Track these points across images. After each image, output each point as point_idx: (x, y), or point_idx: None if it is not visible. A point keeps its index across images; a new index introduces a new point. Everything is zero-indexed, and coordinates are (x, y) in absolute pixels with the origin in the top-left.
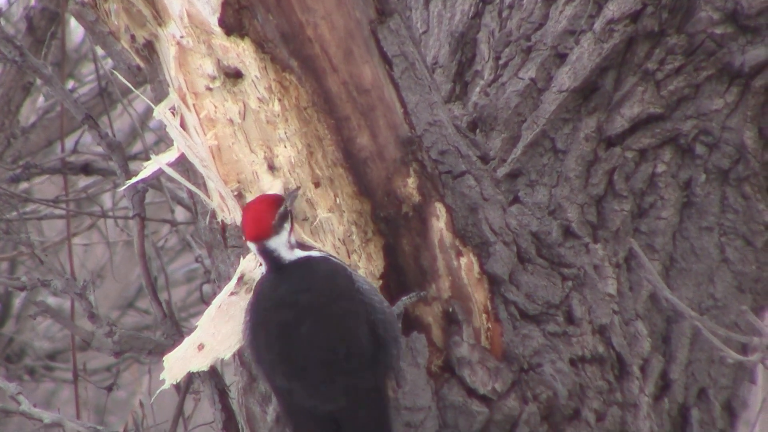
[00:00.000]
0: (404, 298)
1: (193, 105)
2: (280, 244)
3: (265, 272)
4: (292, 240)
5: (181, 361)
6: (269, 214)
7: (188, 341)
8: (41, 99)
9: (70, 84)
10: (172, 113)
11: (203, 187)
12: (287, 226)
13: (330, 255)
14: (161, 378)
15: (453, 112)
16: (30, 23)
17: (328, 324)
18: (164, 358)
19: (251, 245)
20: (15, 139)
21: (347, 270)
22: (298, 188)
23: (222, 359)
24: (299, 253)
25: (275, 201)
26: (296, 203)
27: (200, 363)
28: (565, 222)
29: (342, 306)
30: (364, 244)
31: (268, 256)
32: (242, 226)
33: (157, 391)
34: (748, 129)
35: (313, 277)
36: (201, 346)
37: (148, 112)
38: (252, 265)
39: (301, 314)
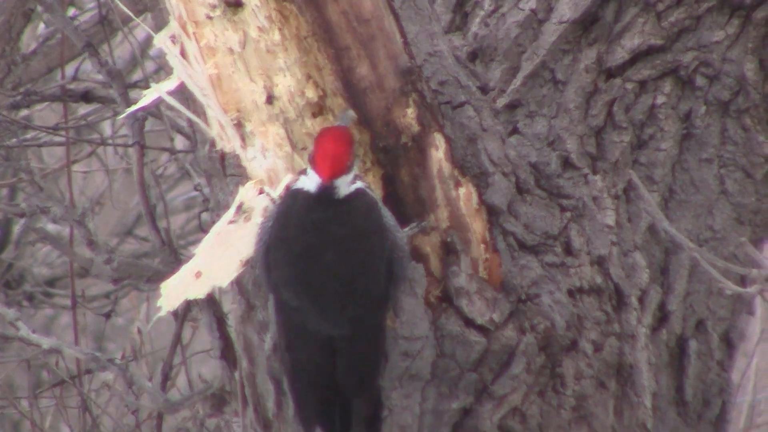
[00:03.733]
0: (405, 229)
1: (194, 33)
2: (345, 181)
3: (300, 193)
4: (352, 175)
5: (178, 289)
6: (347, 154)
7: (186, 268)
8: (42, 26)
9: (71, 11)
10: (173, 42)
11: (203, 115)
12: (354, 165)
13: (367, 186)
14: (158, 305)
15: (453, 43)
16: None
17: (352, 258)
18: (161, 285)
19: (319, 181)
20: (15, 66)
21: (378, 205)
22: (348, 110)
23: (220, 287)
24: (350, 188)
25: (350, 139)
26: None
27: (197, 291)
28: (564, 153)
29: (369, 244)
30: (362, 174)
31: (328, 189)
32: (316, 162)
33: (155, 318)
34: (748, 61)
35: (348, 211)
36: (198, 274)
37: (149, 40)
38: (251, 194)
39: (328, 242)
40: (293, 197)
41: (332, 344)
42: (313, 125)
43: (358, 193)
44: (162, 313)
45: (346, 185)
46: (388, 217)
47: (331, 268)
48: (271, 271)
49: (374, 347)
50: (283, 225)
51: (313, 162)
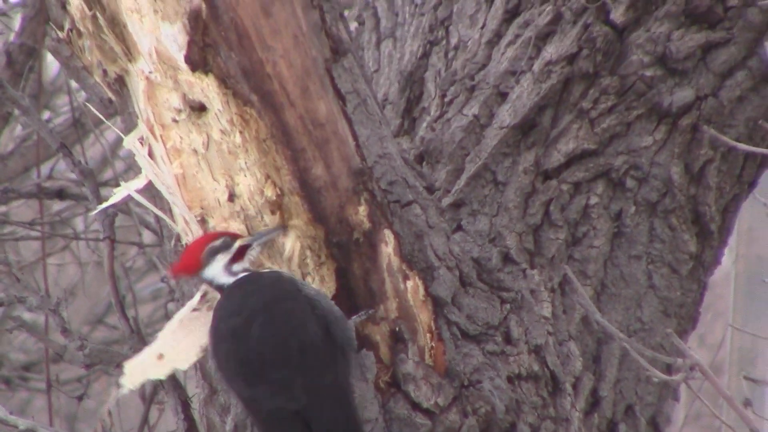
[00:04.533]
0: (354, 317)
1: (161, 135)
2: (215, 273)
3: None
4: (234, 268)
5: (140, 368)
6: (198, 250)
7: (148, 350)
8: (19, 128)
9: (46, 114)
10: (141, 143)
11: (169, 212)
12: (222, 257)
13: (281, 271)
14: (121, 383)
15: (401, 146)
16: (9, 57)
17: (276, 322)
18: (124, 364)
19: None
20: None
21: (293, 277)
22: (279, 228)
23: (184, 372)
24: (241, 274)
25: (209, 237)
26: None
27: (159, 372)
28: (505, 249)
29: (288, 304)
30: (317, 267)
31: (210, 284)
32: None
33: (117, 395)
34: (675, 165)
35: (257, 284)
36: (161, 356)
37: (119, 141)
38: None
39: (249, 317)
40: (216, 303)
41: (301, 417)
42: (271, 221)
43: (262, 272)
44: (124, 390)
45: (222, 276)
46: (308, 288)
47: (260, 340)
48: (223, 372)
49: (341, 410)
50: (215, 326)
51: None
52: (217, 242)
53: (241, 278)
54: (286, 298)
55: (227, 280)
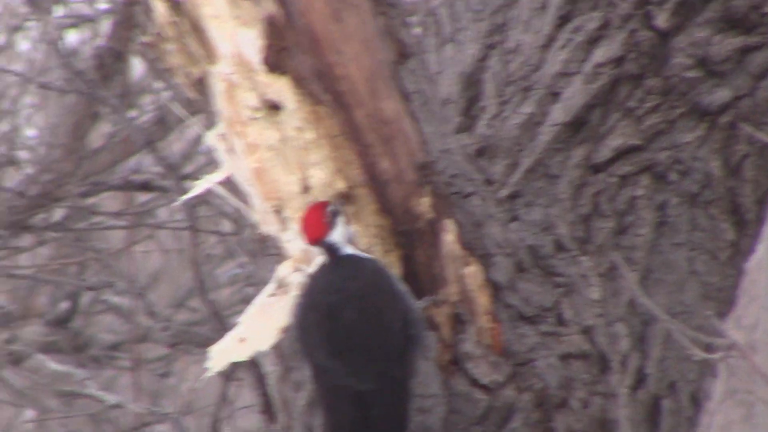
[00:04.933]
0: (420, 302)
1: (239, 132)
2: (337, 237)
3: (320, 264)
4: (348, 234)
5: (224, 353)
6: (320, 215)
7: (231, 335)
8: (108, 125)
9: (133, 113)
10: (221, 139)
11: (247, 202)
12: (340, 221)
13: (377, 260)
14: (206, 367)
15: (462, 142)
16: (99, 61)
17: (368, 311)
18: (209, 350)
19: (314, 247)
20: (84, 160)
21: (390, 273)
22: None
23: (262, 352)
24: (353, 249)
25: (321, 204)
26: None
27: (241, 354)
28: (557, 237)
29: (383, 300)
30: (384, 255)
31: (329, 249)
32: (303, 234)
33: (203, 378)
34: (714, 159)
35: (361, 270)
36: (243, 340)
37: (200, 138)
38: (288, 271)
39: (346, 299)
40: (315, 270)
41: (364, 399)
42: (344, 212)
43: (366, 258)
44: (209, 374)
45: (342, 242)
46: (400, 285)
47: (351, 324)
48: (305, 338)
49: (401, 397)
50: (309, 293)
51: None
52: (330, 207)
53: (346, 259)
54: (382, 291)
55: (345, 248)
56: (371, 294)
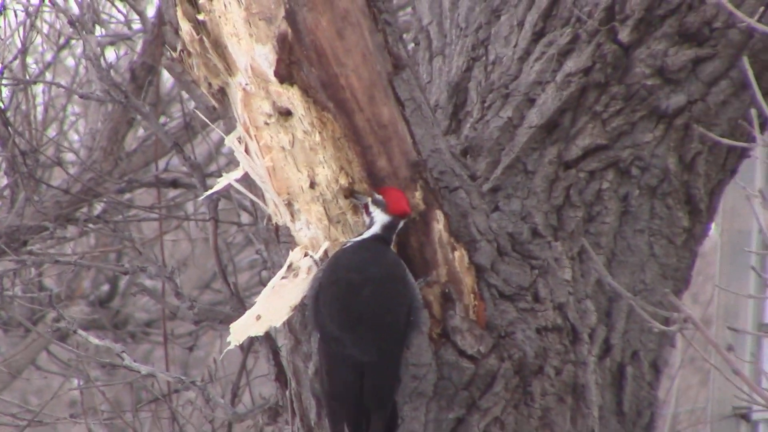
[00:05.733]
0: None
1: (255, 135)
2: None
3: (350, 243)
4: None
5: (243, 328)
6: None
7: (249, 313)
8: (141, 130)
9: (163, 119)
10: (239, 142)
11: (262, 197)
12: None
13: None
14: (228, 340)
15: (450, 142)
16: (133, 74)
17: (384, 294)
18: (231, 326)
19: (398, 218)
20: (121, 161)
21: (404, 265)
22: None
23: (275, 327)
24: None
25: (397, 189)
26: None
27: (257, 329)
28: (533, 225)
29: (397, 287)
30: None
31: (391, 229)
32: (399, 205)
33: (225, 350)
34: (671, 156)
35: (383, 257)
36: (258, 317)
37: (221, 141)
38: (298, 256)
39: (366, 280)
40: (342, 249)
41: (362, 369)
42: (345, 205)
43: (389, 249)
44: (231, 346)
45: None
46: (409, 274)
47: (366, 303)
48: (320, 309)
49: (393, 372)
50: (332, 270)
51: (387, 206)
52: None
53: (372, 244)
54: (398, 280)
55: (392, 236)
56: (387, 280)
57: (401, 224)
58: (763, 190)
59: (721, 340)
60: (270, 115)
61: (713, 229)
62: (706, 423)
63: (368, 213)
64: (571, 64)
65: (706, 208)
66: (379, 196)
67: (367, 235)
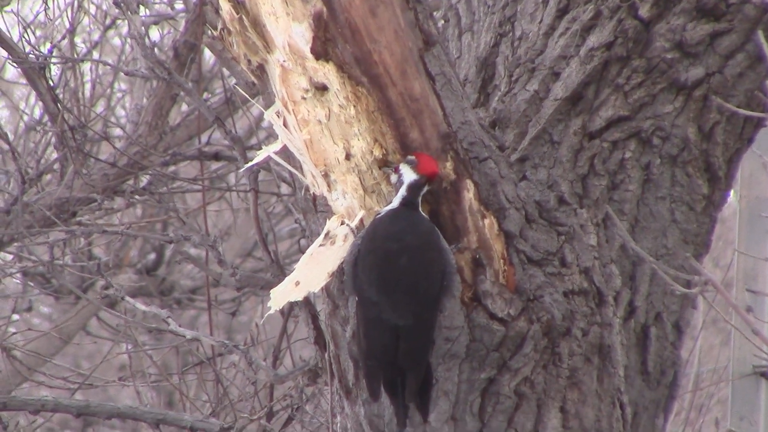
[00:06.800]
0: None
1: (293, 110)
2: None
3: (386, 211)
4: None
5: (283, 294)
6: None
7: (288, 279)
8: (184, 106)
9: (205, 95)
10: (278, 116)
11: (300, 168)
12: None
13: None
14: (269, 306)
15: (479, 115)
16: (176, 52)
17: (420, 262)
18: (271, 292)
19: (424, 178)
20: (165, 135)
21: (438, 232)
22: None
23: (314, 293)
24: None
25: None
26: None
27: (297, 295)
28: (559, 193)
29: (432, 255)
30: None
31: (417, 191)
32: (429, 166)
33: (267, 315)
34: (690, 126)
35: (418, 226)
36: (297, 283)
37: (261, 115)
38: (335, 225)
39: (403, 248)
40: (379, 218)
41: (397, 332)
42: (379, 175)
43: (423, 216)
44: (272, 311)
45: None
46: (443, 241)
47: (403, 270)
48: (358, 274)
49: (427, 335)
50: (371, 238)
51: (418, 165)
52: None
53: (407, 213)
54: (432, 248)
55: (419, 200)
56: (423, 248)
57: (426, 188)
58: None
59: (741, 302)
60: (307, 90)
61: (732, 195)
62: (728, 381)
63: (397, 172)
64: (594, 39)
65: (724, 175)
66: (411, 156)
67: (396, 202)
